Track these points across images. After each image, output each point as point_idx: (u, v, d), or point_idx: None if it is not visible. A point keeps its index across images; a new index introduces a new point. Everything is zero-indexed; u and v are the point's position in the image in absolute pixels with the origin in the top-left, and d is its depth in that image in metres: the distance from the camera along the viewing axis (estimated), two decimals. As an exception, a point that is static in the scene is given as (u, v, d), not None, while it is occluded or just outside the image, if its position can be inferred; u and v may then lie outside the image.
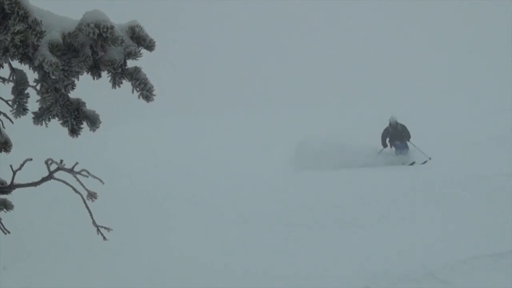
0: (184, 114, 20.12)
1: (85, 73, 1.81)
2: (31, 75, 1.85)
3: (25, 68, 1.85)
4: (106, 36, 1.71)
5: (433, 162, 12.85)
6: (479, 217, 7.93)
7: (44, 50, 1.68)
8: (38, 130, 2.04)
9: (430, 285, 5.70)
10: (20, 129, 2.83)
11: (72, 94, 1.86)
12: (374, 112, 17.24)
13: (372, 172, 12.00)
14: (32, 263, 7.55)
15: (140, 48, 1.81)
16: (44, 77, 1.78)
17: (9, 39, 1.65)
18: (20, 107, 1.87)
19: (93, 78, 1.86)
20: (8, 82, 1.93)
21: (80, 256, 7.56)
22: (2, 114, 2.06)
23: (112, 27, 1.71)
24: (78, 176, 2.05)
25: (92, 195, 2.02)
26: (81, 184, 2.04)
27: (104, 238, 2.11)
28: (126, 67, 1.81)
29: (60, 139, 8.67)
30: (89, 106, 1.95)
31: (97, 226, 2.11)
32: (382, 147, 13.75)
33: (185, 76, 28.15)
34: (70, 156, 2.45)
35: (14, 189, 2.10)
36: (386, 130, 13.78)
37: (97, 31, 1.69)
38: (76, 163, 2.07)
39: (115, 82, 1.81)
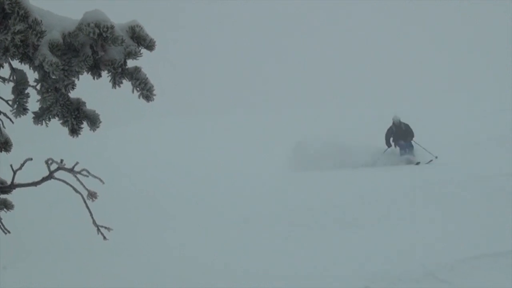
0: (184, 114, 20.14)
1: (85, 73, 1.82)
2: (31, 75, 1.85)
3: (25, 68, 1.85)
4: (106, 36, 1.71)
5: (434, 162, 12.85)
6: (479, 217, 7.93)
7: (44, 50, 1.68)
8: (38, 129, 2.04)
9: (430, 285, 5.69)
10: (20, 129, 2.83)
11: (72, 94, 1.86)
12: (374, 112, 17.27)
13: (372, 172, 12.00)
14: (32, 263, 7.55)
15: (140, 48, 1.81)
16: (44, 77, 1.78)
17: (9, 38, 1.65)
18: (20, 107, 1.87)
19: (93, 78, 1.86)
20: (8, 82, 1.93)
21: (80, 256, 7.56)
22: (2, 114, 2.06)
23: (112, 27, 1.71)
24: (78, 176, 2.05)
25: (92, 195, 2.02)
26: (81, 183, 2.04)
27: (104, 237, 2.11)
28: (126, 67, 1.81)
29: (60, 139, 8.68)
30: (89, 106, 1.95)
31: (97, 226, 2.11)
32: (386, 146, 13.68)
33: (185, 76, 28.18)
34: (70, 155, 2.45)
35: (15, 188, 2.10)
36: (389, 129, 13.71)
37: (97, 30, 1.70)
38: (77, 163, 2.07)
39: (115, 82, 1.81)
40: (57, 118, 1.87)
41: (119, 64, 1.78)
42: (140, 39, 1.82)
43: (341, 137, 13.68)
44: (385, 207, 8.95)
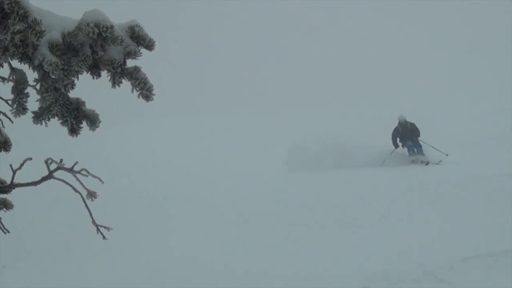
0: (184, 114, 20.13)
1: (84, 73, 1.82)
2: (31, 75, 1.85)
3: (24, 67, 1.85)
4: (106, 36, 1.71)
5: (442, 162, 12.76)
6: (479, 217, 7.93)
7: (44, 50, 1.68)
8: (37, 129, 2.04)
9: (430, 285, 5.70)
10: (20, 129, 2.83)
11: (72, 94, 1.86)
12: (374, 112, 17.27)
13: (372, 172, 12.00)
14: (32, 263, 7.55)
15: (139, 48, 1.81)
16: (43, 77, 1.79)
17: (9, 38, 1.65)
18: (19, 107, 1.87)
19: (93, 78, 1.86)
20: (7, 82, 1.93)
21: (80, 256, 7.56)
22: (2, 114, 2.06)
23: (111, 27, 1.71)
24: (77, 175, 2.05)
25: (91, 195, 2.02)
26: (81, 183, 2.04)
27: (104, 237, 2.11)
28: (126, 67, 1.81)
29: (60, 139, 8.68)
30: (89, 105, 1.94)
31: (96, 226, 2.11)
32: (393, 147, 13.55)
33: (185, 76, 28.17)
34: (69, 155, 2.45)
35: (14, 188, 2.10)
36: (396, 129, 13.56)
37: (96, 30, 1.70)
38: (76, 163, 2.07)
39: (115, 82, 1.81)
40: (56, 118, 1.87)
41: (119, 63, 1.78)
42: (139, 39, 1.82)
43: (341, 137, 13.66)
44: (385, 207, 8.96)
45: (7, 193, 2.11)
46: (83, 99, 1.92)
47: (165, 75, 23.50)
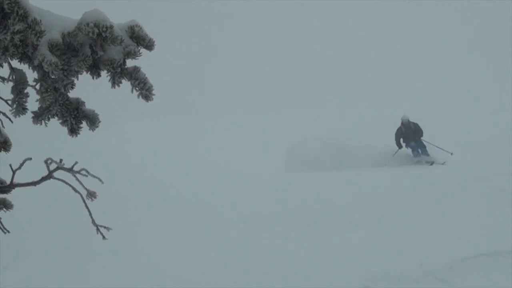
0: (184, 114, 20.11)
1: (84, 73, 1.82)
2: (31, 75, 1.85)
3: (24, 67, 1.85)
4: (106, 36, 1.71)
5: (446, 162, 12.74)
6: (479, 217, 7.93)
7: (43, 50, 1.68)
8: (37, 129, 2.04)
9: (430, 285, 5.70)
10: (20, 129, 2.84)
11: (72, 94, 1.87)
12: (374, 112, 17.25)
13: (372, 172, 12.00)
14: (32, 263, 7.55)
15: (139, 48, 1.81)
16: (43, 77, 1.79)
17: (8, 38, 1.65)
18: (19, 107, 1.87)
19: (93, 78, 1.86)
20: (7, 82, 1.93)
21: (80, 256, 7.55)
22: (1, 114, 2.06)
23: (111, 27, 1.71)
24: (77, 175, 2.05)
25: (91, 195, 2.02)
26: (81, 183, 2.04)
27: (104, 237, 2.11)
28: (126, 67, 1.81)
29: (60, 139, 8.69)
30: (89, 105, 1.95)
31: (96, 226, 2.11)
32: (396, 148, 13.50)
33: (185, 76, 28.15)
34: (69, 155, 2.45)
35: (14, 188, 2.10)
36: (399, 130, 13.48)
37: (96, 30, 1.70)
38: (76, 163, 2.08)
39: (115, 82, 1.81)
40: (56, 118, 1.87)
41: (118, 63, 1.78)
42: (139, 39, 1.82)
43: (341, 137, 13.66)
44: (385, 207, 8.96)
45: (7, 193, 2.11)
46: (83, 99, 1.92)
47: (165, 75, 23.50)
